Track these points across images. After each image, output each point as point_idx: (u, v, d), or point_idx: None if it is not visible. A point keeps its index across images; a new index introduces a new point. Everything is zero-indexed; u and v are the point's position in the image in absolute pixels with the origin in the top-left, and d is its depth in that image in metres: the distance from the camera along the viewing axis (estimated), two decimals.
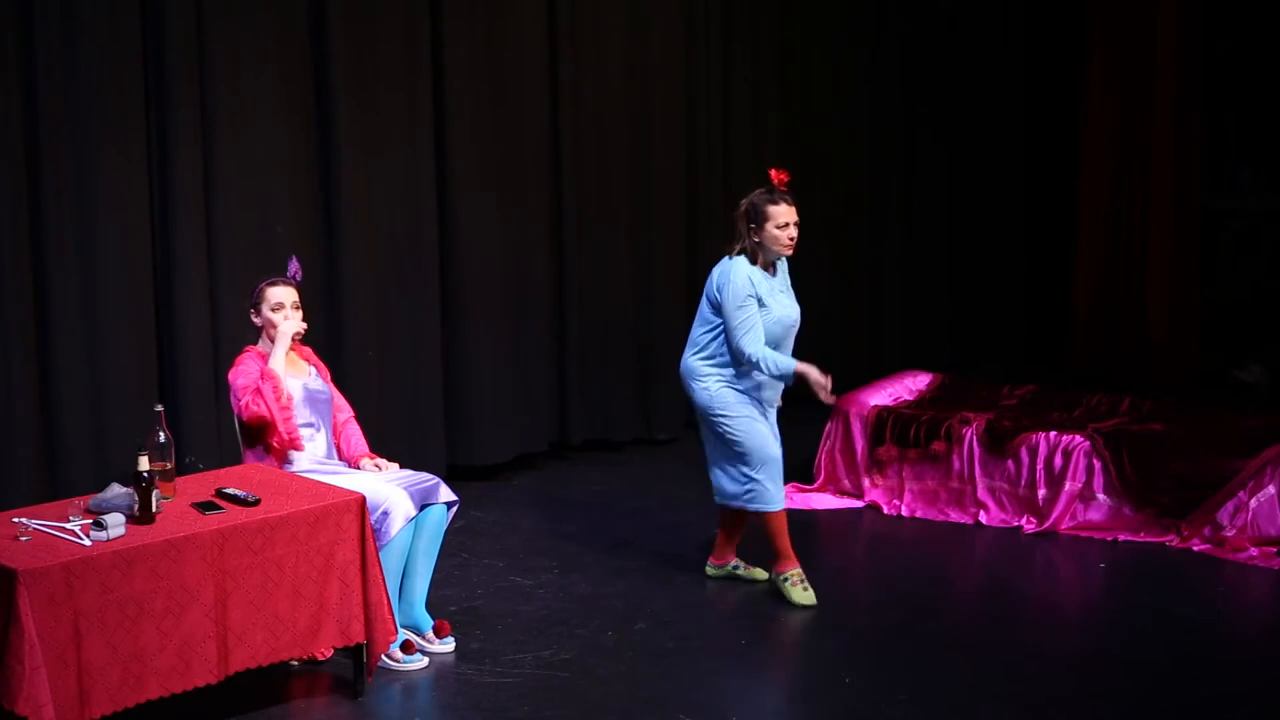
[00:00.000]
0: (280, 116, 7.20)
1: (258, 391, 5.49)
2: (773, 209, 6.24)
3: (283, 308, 5.68)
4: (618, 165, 8.62)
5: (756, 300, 6.15)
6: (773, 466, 6.28)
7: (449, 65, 7.75)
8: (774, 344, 6.21)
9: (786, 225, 6.25)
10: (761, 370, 6.16)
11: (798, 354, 6.35)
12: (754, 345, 6.12)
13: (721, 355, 6.23)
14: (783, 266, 6.42)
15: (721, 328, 6.21)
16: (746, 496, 6.30)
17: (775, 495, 6.30)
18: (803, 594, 6.30)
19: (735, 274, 6.19)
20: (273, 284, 5.70)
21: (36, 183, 6.49)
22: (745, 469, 6.27)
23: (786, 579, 6.34)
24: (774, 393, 6.33)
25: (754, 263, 6.22)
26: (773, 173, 6.33)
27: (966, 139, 10.63)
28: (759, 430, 6.26)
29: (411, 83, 7.64)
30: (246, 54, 7.05)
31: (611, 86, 8.53)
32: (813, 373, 6.12)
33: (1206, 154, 10.33)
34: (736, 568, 6.59)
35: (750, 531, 6.49)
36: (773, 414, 6.39)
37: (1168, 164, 10.10)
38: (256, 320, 5.72)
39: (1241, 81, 10.58)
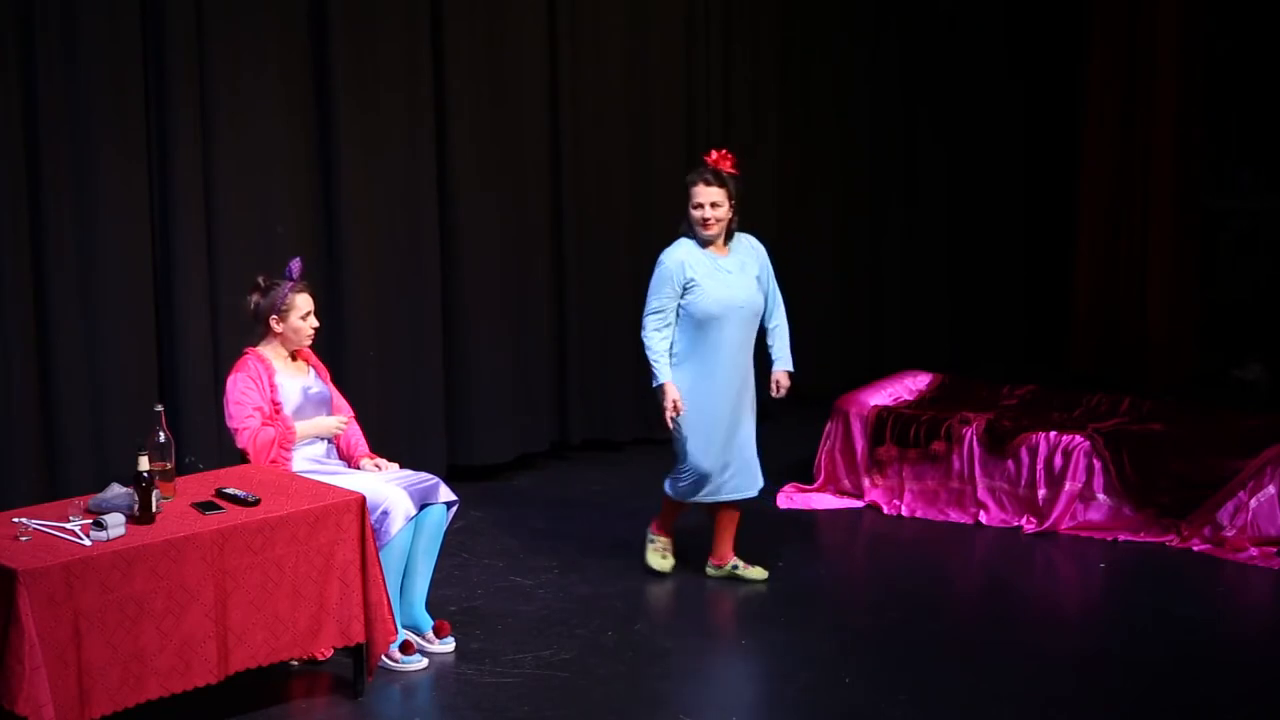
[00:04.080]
0: (280, 116, 7.20)
1: (267, 448, 5.49)
2: (692, 189, 6.34)
3: (310, 314, 5.67)
4: (618, 165, 8.62)
5: (684, 285, 6.25)
6: (692, 463, 6.33)
7: (449, 66, 7.76)
8: (711, 324, 6.26)
9: (700, 205, 6.30)
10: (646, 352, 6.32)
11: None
12: (648, 330, 6.30)
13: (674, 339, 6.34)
14: (746, 248, 6.46)
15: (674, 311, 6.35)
16: (668, 475, 6.48)
17: (680, 488, 6.41)
18: (659, 561, 6.57)
19: (667, 256, 6.34)
20: (298, 290, 5.63)
21: (36, 183, 6.49)
22: (677, 453, 6.40)
23: (653, 541, 6.63)
24: (730, 371, 6.31)
25: (701, 243, 6.32)
26: (711, 152, 6.40)
27: (966, 139, 10.63)
28: (705, 415, 6.29)
29: (412, 83, 7.64)
30: (246, 54, 7.05)
31: (611, 86, 8.53)
32: (668, 399, 6.24)
33: (1206, 154, 10.33)
34: (736, 567, 6.59)
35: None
36: (731, 393, 6.33)
37: (1168, 164, 10.10)
38: (277, 326, 5.62)
39: (1241, 81, 10.58)
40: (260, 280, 5.68)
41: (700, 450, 6.33)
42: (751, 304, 6.35)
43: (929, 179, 10.44)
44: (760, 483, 6.50)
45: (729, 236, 6.38)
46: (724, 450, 6.36)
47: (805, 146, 9.59)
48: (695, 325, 6.28)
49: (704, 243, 6.34)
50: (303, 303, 5.65)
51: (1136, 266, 10.28)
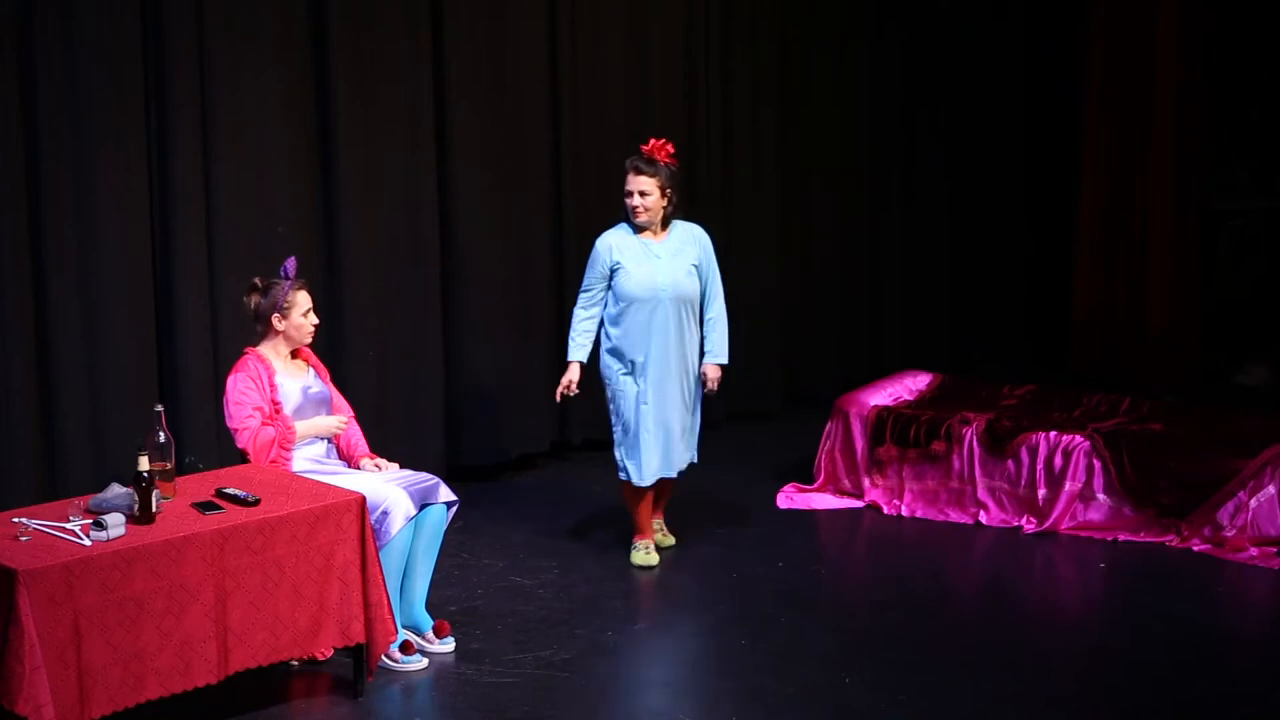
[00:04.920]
0: (280, 116, 7.20)
1: (267, 448, 5.49)
2: (625, 176, 6.54)
3: (310, 311, 5.68)
4: (618, 165, 8.54)
5: (612, 267, 6.49)
6: (632, 441, 6.58)
7: (449, 65, 7.76)
8: (635, 307, 6.48)
9: (630, 194, 6.52)
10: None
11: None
12: (576, 307, 6.62)
13: (607, 320, 6.60)
14: (686, 235, 6.63)
15: (606, 295, 6.61)
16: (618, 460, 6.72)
17: (629, 468, 6.61)
18: (643, 557, 6.72)
19: (600, 239, 6.60)
20: (297, 288, 5.65)
21: (36, 182, 6.49)
22: (615, 434, 6.66)
23: (634, 547, 6.76)
24: (655, 354, 6.50)
25: (636, 229, 6.56)
26: (650, 140, 6.56)
27: (966, 139, 10.63)
28: (628, 402, 6.57)
29: (412, 82, 7.64)
30: (246, 54, 7.05)
31: (611, 86, 8.54)
32: (565, 377, 6.61)
33: (1206, 154, 10.33)
34: (657, 530, 6.90)
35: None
36: (655, 377, 6.53)
37: (1168, 164, 10.09)
38: (279, 325, 5.64)
39: (1241, 81, 10.58)
40: (257, 281, 5.70)
41: (625, 431, 6.62)
42: (676, 289, 6.52)
43: (929, 179, 10.44)
44: (676, 466, 6.70)
45: (667, 223, 6.58)
46: (646, 432, 6.56)
47: (805, 146, 9.59)
48: (622, 307, 6.54)
49: (639, 228, 6.53)
50: (303, 300, 5.68)
51: (1136, 266, 10.27)
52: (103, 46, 6.59)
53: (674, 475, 6.71)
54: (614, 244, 6.55)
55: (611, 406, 6.66)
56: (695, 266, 6.57)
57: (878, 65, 10.00)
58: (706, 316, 6.68)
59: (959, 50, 10.47)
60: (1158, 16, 9.96)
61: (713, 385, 6.71)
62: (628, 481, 6.66)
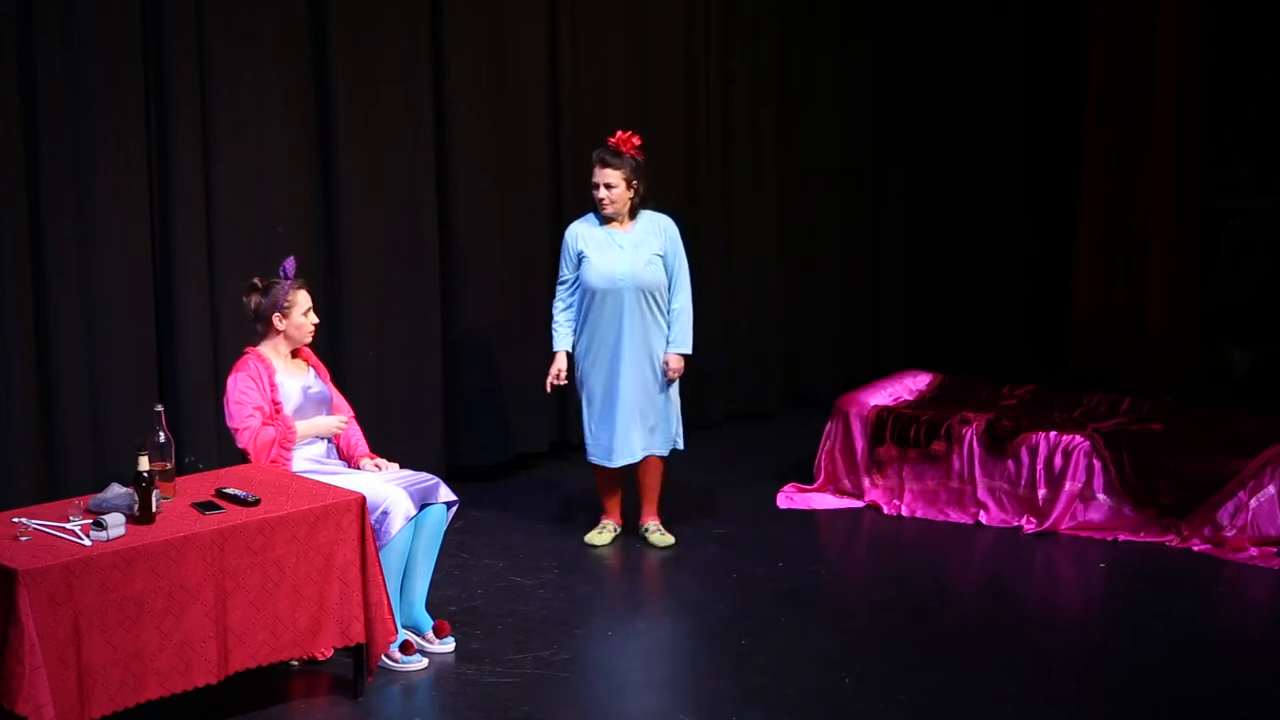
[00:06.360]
0: (280, 116, 7.20)
1: (267, 448, 5.49)
2: (592, 168, 6.70)
3: (310, 311, 5.69)
4: None
5: (578, 256, 6.70)
6: (591, 423, 6.78)
7: (449, 65, 7.76)
8: (597, 296, 6.66)
9: (597, 186, 6.68)
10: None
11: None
12: (555, 299, 6.85)
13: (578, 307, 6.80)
14: (652, 226, 6.75)
15: (577, 281, 6.79)
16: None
17: (589, 446, 6.83)
18: (594, 535, 6.95)
19: (567, 230, 6.84)
20: (298, 288, 5.67)
21: (36, 182, 6.48)
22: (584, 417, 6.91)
23: (604, 526, 6.99)
24: (615, 342, 6.67)
25: (602, 219, 6.73)
26: (617, 133, 6.71)
27: (966, 138, 10.62)
28: (589, 382, 6.77)
29: (412, 82, 7.64)
30: (246, 54, 7.05)
31: (611, 85, 8.53)
32: (553, 367, 6.82)
33: (1206, 154, 10.32)
34: (647, 530, 6.96)
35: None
36: (614, 364, 6.71)
37: (1168, 164, 10.09)
38: (280, 324, 5.65)
39: (1241, 81, 10.58)
40: (257, 281, 5.71)
41: (587, 415, 6.81)
42: (635, 279, 6.67)
43: (929, 178, 10.44)
44: (638, 452, 6.80)
45: (634, 213, 6.73)
46: (604, 417, 6.75)
47: (805, 146, 9.59)
48: (585, 296, 6.72)
49: (606, 219, 6.69)
50: (303, 299, 5.69)
51: (1136, 266, 10.26)
52: (103, 46, 6.59)
53: (637, 460, 6.80)
54: (580, 233, 6.74)
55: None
56: (659, 256, 6.71)
57: (878, 65, 9.99)
58: (671, 307, 6.79)
59: (959, 50, 10.47)
60: (1158, 16, 9.96)
61: (673, 374, 6.80)
62: (592, 461, 6.88)
